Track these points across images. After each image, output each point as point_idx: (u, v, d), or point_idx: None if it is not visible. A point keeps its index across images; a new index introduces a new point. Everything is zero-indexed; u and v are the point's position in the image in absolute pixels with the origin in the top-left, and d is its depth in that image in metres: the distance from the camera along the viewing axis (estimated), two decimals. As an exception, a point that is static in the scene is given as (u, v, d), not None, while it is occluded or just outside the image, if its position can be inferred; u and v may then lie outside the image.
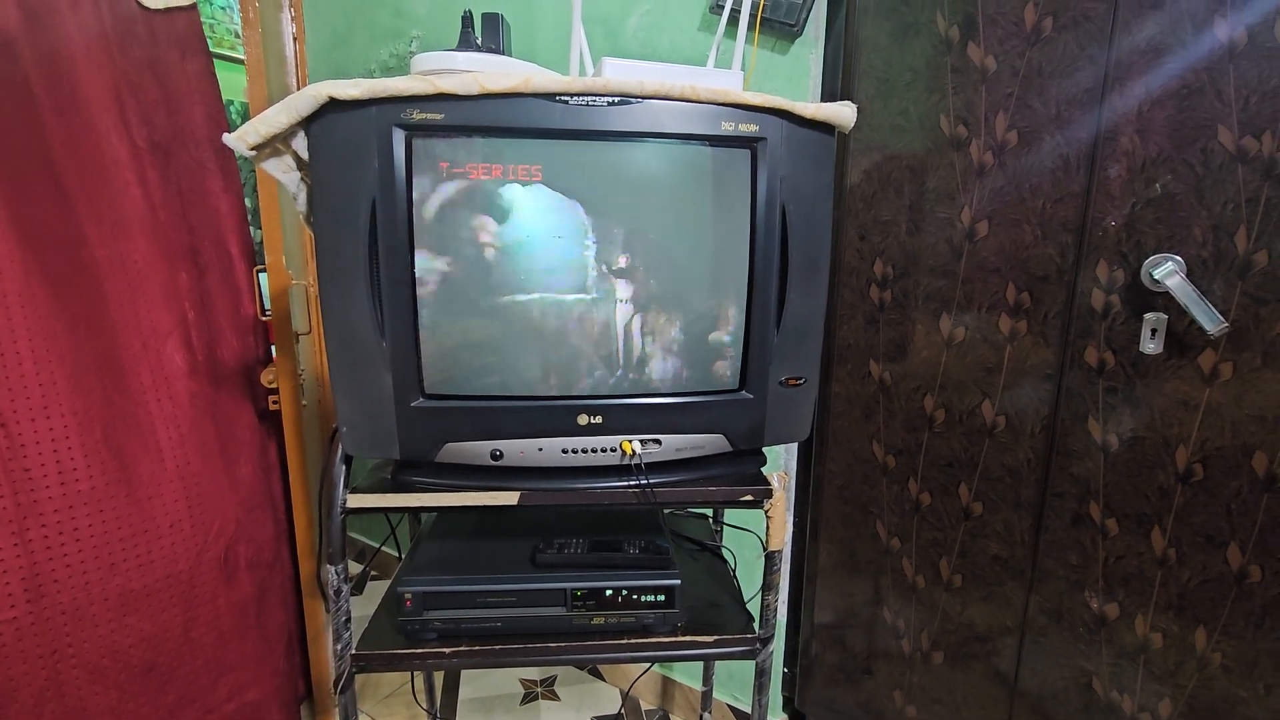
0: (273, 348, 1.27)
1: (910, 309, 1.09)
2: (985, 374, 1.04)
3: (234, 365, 1.24)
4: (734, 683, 1.39)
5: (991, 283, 1.01)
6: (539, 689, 1.54)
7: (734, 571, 1.06)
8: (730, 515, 1.19)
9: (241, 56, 1.25)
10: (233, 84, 1.88)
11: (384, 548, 1.91)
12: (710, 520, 1.20)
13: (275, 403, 1.26)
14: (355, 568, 1.98)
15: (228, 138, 0.69)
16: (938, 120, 1.02)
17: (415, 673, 1.36)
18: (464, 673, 1.52)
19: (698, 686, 1.42)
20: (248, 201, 1.33)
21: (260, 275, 1.26)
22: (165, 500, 1.08)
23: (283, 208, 1.20)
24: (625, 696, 1.52)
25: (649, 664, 1.46)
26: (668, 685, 1.48)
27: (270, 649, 1.27)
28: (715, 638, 0.86)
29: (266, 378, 1.25)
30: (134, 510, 1.04)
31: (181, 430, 1.11)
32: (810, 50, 1.09)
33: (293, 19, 1.27)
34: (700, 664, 1.37)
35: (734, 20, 1.03)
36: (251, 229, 1.34)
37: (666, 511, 1.18)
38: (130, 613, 1.03)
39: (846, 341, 1.17)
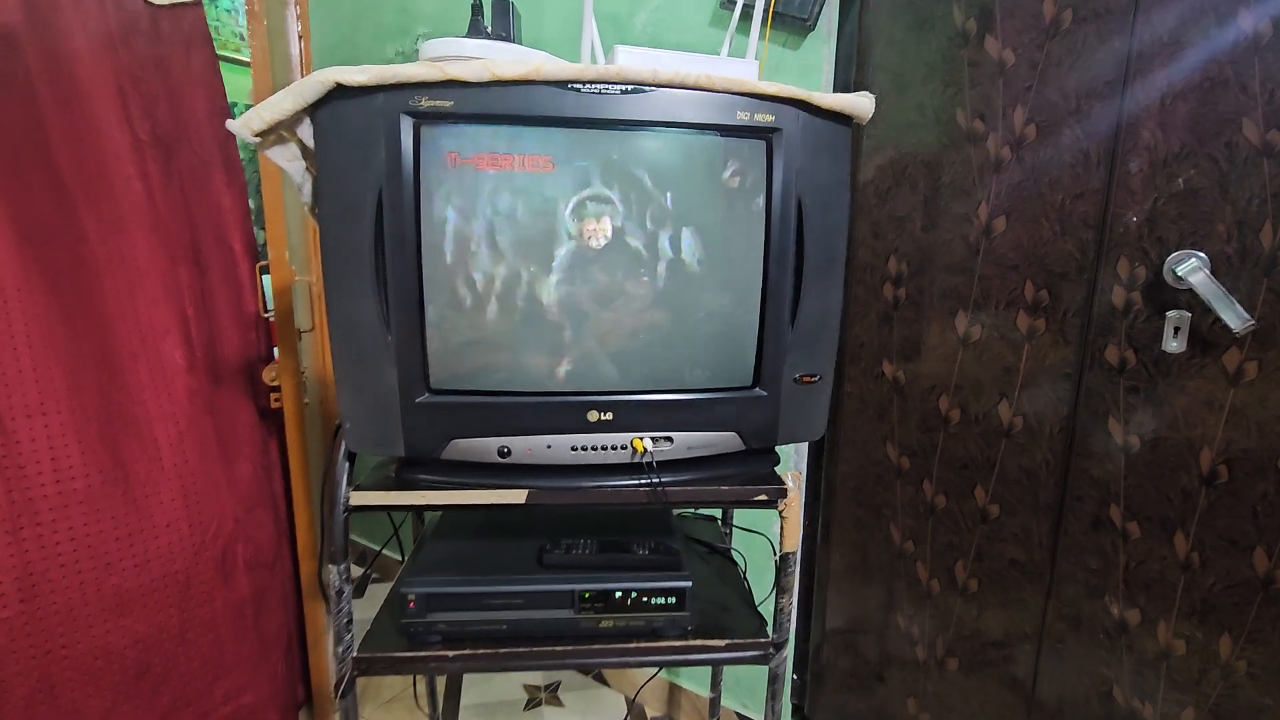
0: (274, 347, 1.25)
1: (925, 307, 1.07)
2: (1002, 373, 1.02)
3: (234, 363, 1.22)
4: (741, 689, 1.37)
5: (1009, 280, 0.99)
6: (542, 695, 1.52)
7: (744, 574, 1.04)
8: (739, 517, 1.17)
9: (246, 59, 1.24)
10: (238, 86, 1.86)
11: (386, 550, 1.88)
12: (719, 522, 1.18)
13: (277, 400, 1.24)
14: (356, 572, 1.96)
15: (232, 124, 0.67)
16: (954, 114, 1.00)
17: (417, 677, 1.33)
18: (466, 678, 1.49)
19: (705, 693, 1.39)
20: (251, 203, 1.31)
21: (263, 271, 1.24)
22: (162, 499, 1.05)
23: (287, 204, 1.18)
24: (631, 703, 1.49)
25: (656, 669, 1.43)
26: (674, 691, 1.46)
27: (268, 651, 1.25)
28: (727, 642, 0.83)
29: (268, 375, 1.23)
30: (130, 509, 1.02)
31: (180, 428, 1.09)
32: (823, 45, 1.08)
33: (298, 17, 1.26)
34: (708, 670, 1.35)
35: (746, 15, 1.02)
36: (256, 230, 1.32)
37: (675, 513, 1.16)
38: (125, 613, 1.01)
39: (859, 340, 1.15)
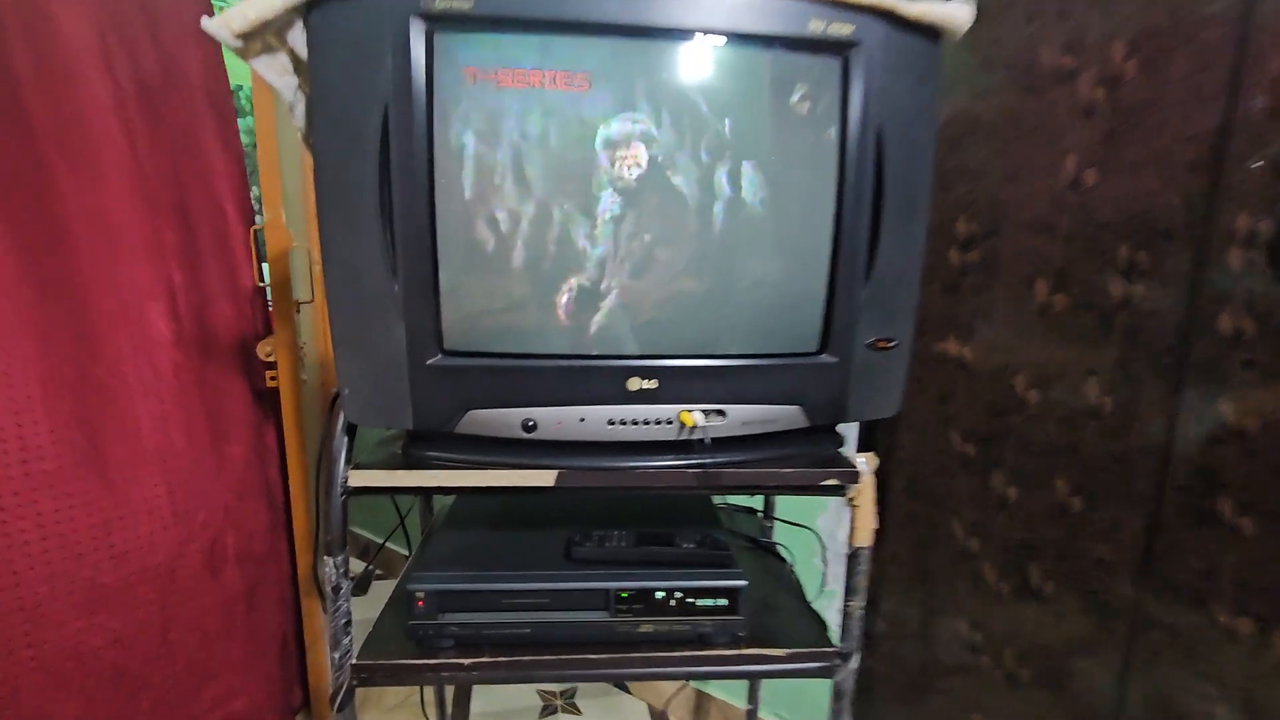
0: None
1: (999, 272, 0.95)
2: (1090, 348, 0.90)
3: (226, 335, 1.11)
4: (779, 701, 1.25)
5: (1102, 240, 0.87)
6: (559, 702, 1.40)
7: (792, 572, 0.92)
8: (782, 509, 1.05)
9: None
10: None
11: (390, 543, 1.77)
12: (760, 514, 1.06)
13: (273, 378, 1.13)
14: (357, 567, 1.85)
15: (208, 23, 0.56)
16: (1038, 51, 0.88)
17: (423, 683, 1.22)
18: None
19: (739, 704, 1.27)
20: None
21: (258, 236, 1.14)
22: (142, 484, 0.95)
23: (283, 157, 1.07)
24: (662, 716, 1.37)
25: (687, 680, 1.32)
26: (702, 700, 1.34)
27: (261, 653, 1.14)
28: (788, 652, 0.72)
29: (263, 350, 1.12)
30: (106, 494, 0.91)
31: (164, 406, 0.98)
32: (882, -21, 0.96)
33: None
34: (746, 679, 1.23)
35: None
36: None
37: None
38: (100, 610, 0.91)
39: (922, 311, 1.03)
